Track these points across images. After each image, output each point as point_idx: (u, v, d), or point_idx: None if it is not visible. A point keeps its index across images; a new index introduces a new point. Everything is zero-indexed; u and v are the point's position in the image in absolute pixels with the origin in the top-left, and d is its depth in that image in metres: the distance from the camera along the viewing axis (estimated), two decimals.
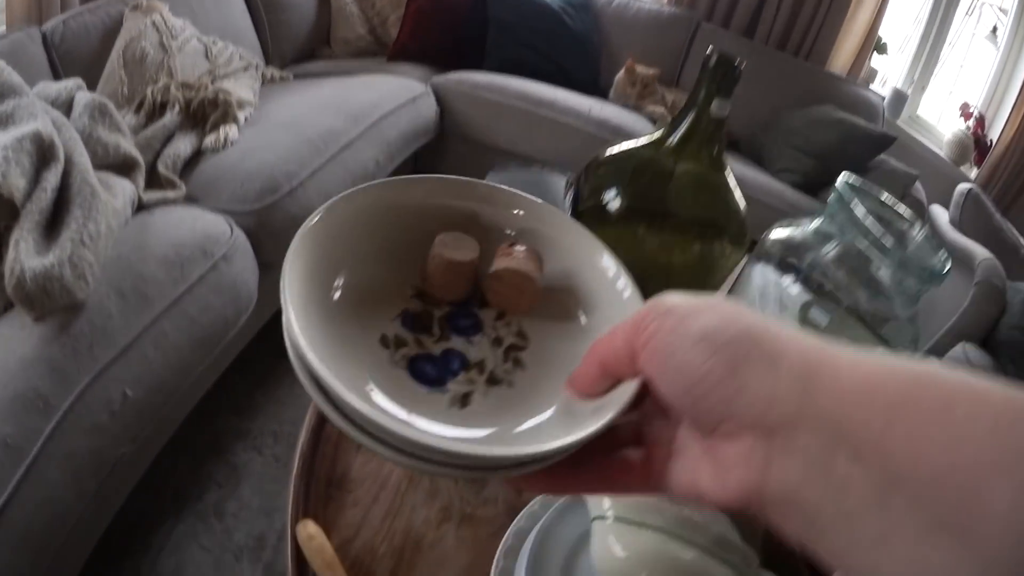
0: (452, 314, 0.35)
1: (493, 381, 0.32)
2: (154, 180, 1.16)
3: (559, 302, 0.36)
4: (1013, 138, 2.26)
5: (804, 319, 0.43)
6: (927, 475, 0.17)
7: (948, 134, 2.56)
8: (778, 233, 0.48)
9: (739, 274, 0.52)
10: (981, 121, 2.52)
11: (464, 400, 0.31)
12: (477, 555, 0.47)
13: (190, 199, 1.18)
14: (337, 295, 0.32)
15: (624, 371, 0.25)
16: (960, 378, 0.19)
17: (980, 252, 1.55)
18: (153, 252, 1.01)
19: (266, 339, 1.38)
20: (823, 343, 0.21)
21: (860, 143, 2.02)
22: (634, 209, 0.58)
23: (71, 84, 1.15)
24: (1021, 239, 1.87)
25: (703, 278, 0.61)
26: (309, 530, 0.47)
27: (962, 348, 1.52)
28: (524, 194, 0.38)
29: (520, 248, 0.35)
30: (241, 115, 1.35)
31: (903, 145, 2.24)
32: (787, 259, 0.45)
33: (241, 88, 1.43)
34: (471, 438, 0.28)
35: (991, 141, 2.43)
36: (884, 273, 0.41)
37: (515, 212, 0.38)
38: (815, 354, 0.21)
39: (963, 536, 0.17)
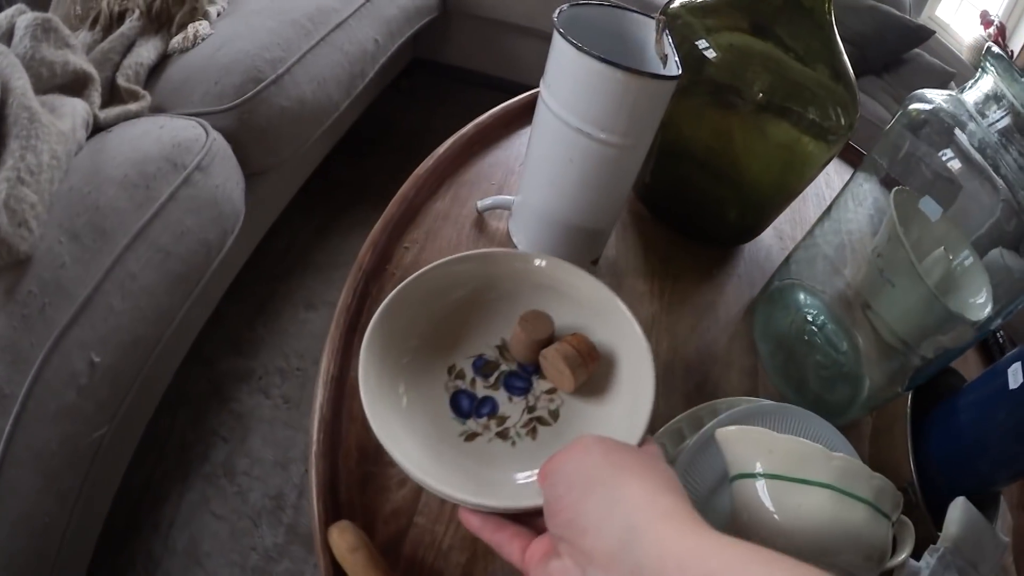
0: (514, 373, 0.41)
1: (502, 436, 0.37)
2: (115, 97, 0.88)
3: (602, 390, 0.39)
4: None
5: (902, 208, 0.40)
6: None
7: (968, 39, 2.34)
8: (920, 105, 0.40)
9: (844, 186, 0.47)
10: (1002, 30, 2.28)
11: (470, 437, 0.37)
12: None
13: (157, 110, 0.89)
14: (433, 328, 0.40)
15: None
16: (793, 564, 0.18)
17: None
18: (110, 176, 0.74)
19: (260, 261, 1.13)
20: (674, 510, 0.21)
21: (897, 33, 1.80)
22: (718, 76, 0.50)
23: (11, 11, 0.86)
24: None
25: (793, 168, 0.54)
26: (348, 539, 0.33)
27: (999, 252, 1.44)
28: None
29: (573, 339, 0.39)
30: (212, 9, 1.03)
31: (926, 44, 2.03)
32: (947, 130, 0.37)
33: None
34: (446, 474, 0.33)
35: (1012, 52, 2.24)
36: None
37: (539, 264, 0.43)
38: (655, 512, 0.21)
39: None
